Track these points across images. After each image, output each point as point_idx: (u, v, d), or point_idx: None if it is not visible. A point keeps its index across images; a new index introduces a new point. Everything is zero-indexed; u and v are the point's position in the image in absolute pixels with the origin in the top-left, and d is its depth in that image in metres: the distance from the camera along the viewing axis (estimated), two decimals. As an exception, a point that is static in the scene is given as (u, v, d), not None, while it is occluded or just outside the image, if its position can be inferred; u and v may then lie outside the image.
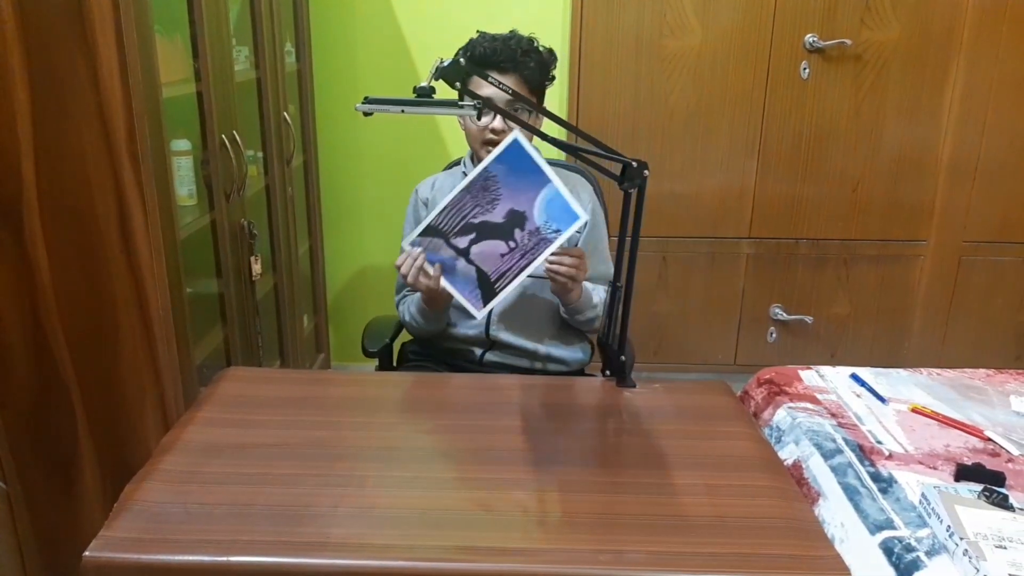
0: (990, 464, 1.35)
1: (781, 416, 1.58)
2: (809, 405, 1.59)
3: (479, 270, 1.44)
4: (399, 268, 1.50)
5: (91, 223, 1.46)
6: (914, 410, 1.57)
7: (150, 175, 1.46)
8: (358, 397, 1.38)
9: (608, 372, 1.47)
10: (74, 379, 1.55)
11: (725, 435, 1.26)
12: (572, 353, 1.78)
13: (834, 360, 2.88)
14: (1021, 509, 1.21)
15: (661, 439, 1.24)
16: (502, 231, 1.40)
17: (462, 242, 1.43)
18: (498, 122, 1.59)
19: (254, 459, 1.14)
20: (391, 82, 2.77)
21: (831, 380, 1.72)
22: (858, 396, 1.64)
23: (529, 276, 1.41)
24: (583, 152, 1.37)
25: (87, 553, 0.94)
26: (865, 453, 1.40)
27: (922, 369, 1.79)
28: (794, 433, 1.50)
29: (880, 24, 2.57)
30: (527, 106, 1.55)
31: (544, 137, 1.38)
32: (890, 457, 1.39)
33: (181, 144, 1.77)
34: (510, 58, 1.59)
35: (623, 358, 1.41)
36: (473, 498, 1.08)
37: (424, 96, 1.25)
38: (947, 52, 2.60)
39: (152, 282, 1.51)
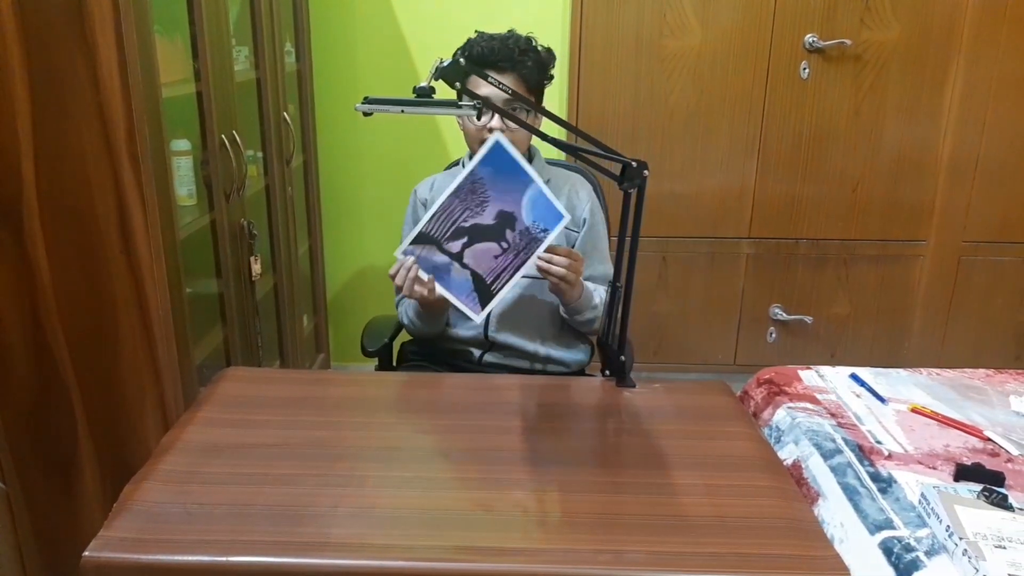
0: (989, 464, 1.35)
1: (781, 416, 1.58)
2: (809, 405, 1.59)
3: (474, 274, 1.44)
4: (393, 278, 1.50)
5: (91, 223, 1.46)
6: (914, 410, 1.57)
7: (150, 175, 1.46)
8: (358, 397, 1.38)
9: (608, 372, 1.47)
10: (74, 379, 1.55)
11: (725, 435, 1.26)
12: (572, 354, 1.78)
13: (834, 360, 2.88)
14: (1020, 509, 1.21)
15: (661, 439, 1.24)
16: (494, 232, 1.41)
17: (455, 247, 1.43)
18: (496, 122, 1.58)
19: (254, 459, 1.14)
20: (391, 82, 2.77)
21: (831, 380, 1.72)
22: (858, 396, 1.64)
23: (526, 276, 1.41)
24: (583, 152, 1.37)
25: (87, 553, 0.94)
26: (865, 453, 1.40)
27: (922, 369, 1.79)
28: (794, 433, 1.50)
29: (880, 24, 2.57)
30: (525, 105, 1.55)
31: (544, 137, 1.38)
32: (889, 457, 1.39)
33: (181, 144, 1.77)
34: (508, 57, 1.59)
35: (623, 358, 1.41)
36: (473, 498, 1.08)
37: (424, 96, 1.25)
38: (947, 52, 2.60)
39: (152, 282, 1.51)
